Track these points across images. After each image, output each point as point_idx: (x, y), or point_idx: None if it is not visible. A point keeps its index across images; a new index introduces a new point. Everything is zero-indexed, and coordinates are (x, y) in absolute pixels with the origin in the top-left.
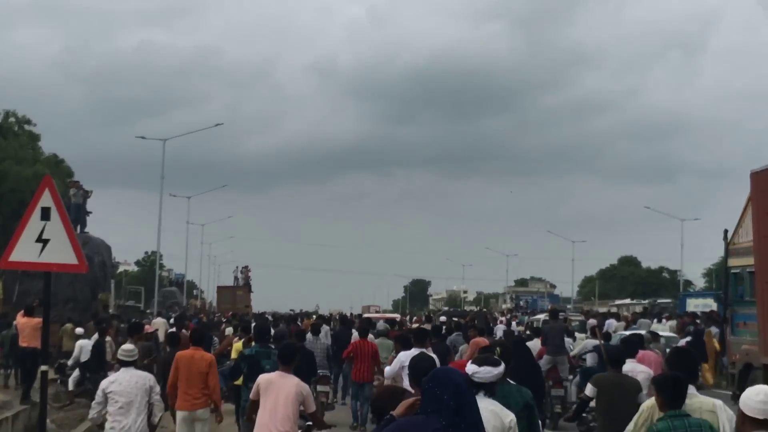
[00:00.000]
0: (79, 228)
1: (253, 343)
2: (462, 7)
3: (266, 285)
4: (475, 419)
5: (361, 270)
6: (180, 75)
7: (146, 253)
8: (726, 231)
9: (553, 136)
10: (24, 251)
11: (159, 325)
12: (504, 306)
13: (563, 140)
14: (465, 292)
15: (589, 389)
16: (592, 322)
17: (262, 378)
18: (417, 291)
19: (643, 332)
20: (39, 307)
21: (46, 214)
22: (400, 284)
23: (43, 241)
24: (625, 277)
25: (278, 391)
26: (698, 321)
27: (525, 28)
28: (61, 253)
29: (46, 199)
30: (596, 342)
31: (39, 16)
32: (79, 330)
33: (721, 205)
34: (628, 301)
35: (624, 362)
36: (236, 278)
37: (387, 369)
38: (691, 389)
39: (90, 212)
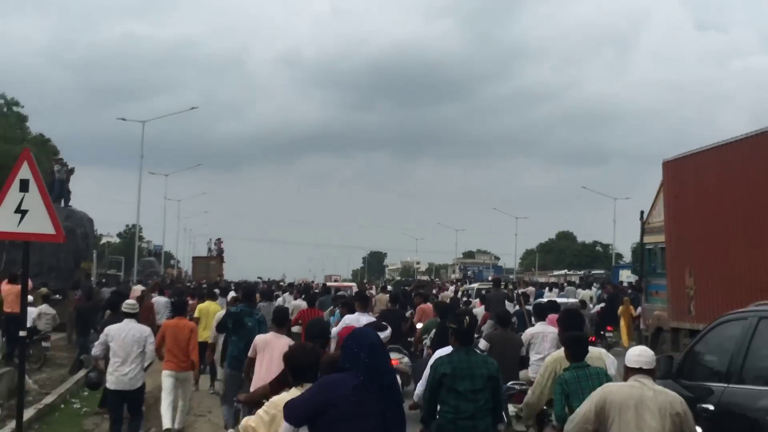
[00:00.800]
0: (63, 202)
1: (238, 303)
2: (416, 4)
3: (237, 256)
4: (389, 376)
5: (324, 242)
6: (159, 64)
7: (127, 226)
8: (642, 212)
9: (498, 123)
10: (3, 221)
11: (137, 292)
12: (453, 276)
13: (507, 127)
14: (418, 263)
15: (483, 344)
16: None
17: (259, 338)
18: (374, 262)
19: (561, 300)
20: (17, 276)
21: (24, 186)
22: (359, 255)
23: (21, 211)
24: (563, 251)
25: (273, 350)
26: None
27: (473, 24)
28: (39, 223)
29: (24, 172)
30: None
31: (29, 8)
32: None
33: (649, 187)
34: (565, 272)
35: (509, 324)
36: (210, 249)
37: (333, 330)
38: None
39: (71, 191)
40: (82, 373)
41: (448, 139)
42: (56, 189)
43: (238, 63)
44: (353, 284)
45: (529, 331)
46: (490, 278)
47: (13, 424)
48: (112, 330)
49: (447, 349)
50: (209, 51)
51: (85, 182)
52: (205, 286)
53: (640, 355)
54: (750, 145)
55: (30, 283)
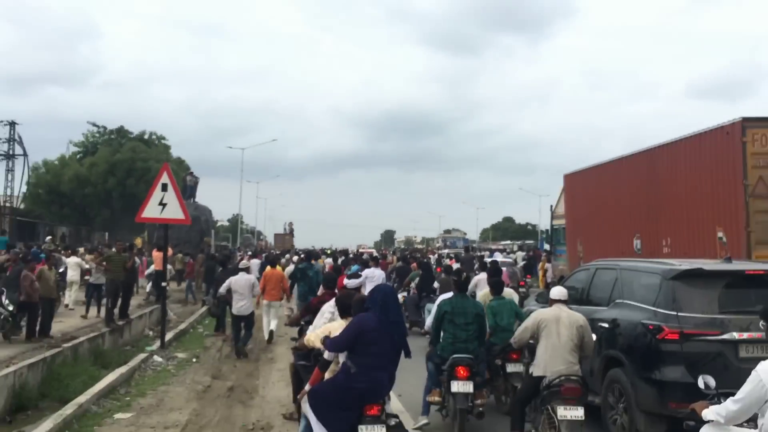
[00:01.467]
0: (192, 199)
1: (303, 261)
2: (413, 75)
3: (303, 233)
4: (397, 314)
5: (356, 224)
6: (254, 114)
7: (233, 215)
8: (551, 206)
9: (465, 149)
10: (151, 211)
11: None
12: (437, 245)
13: (471, 151)
14: (415, 237)
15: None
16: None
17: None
18: (387, 237)
19: (498, 259)
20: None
21: (164, 188)
22: (378, 233)
23: (162, 204)
24: (507, 229)
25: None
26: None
27: (450, 87)
28: (174, 212)
29: (164, 178)
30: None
31: (172, 78)
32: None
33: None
34: (509, 242)
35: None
36: (285, 229)
37: (352, 281)
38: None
39: (197, 192)
40: (204, 308)
41: (433, 160)
42: (188, 191)
43: (302, 113)
44: (373, 250)
45: (476, 277)
46: (460, 246)
47: (159, 342)
48: (233, 279)
49: (448, 294)
50: (285, 105)
51: (209, 187)
52: (278, 252)
53: (559, 291)
54: (615, 165)
55: (170, 250)
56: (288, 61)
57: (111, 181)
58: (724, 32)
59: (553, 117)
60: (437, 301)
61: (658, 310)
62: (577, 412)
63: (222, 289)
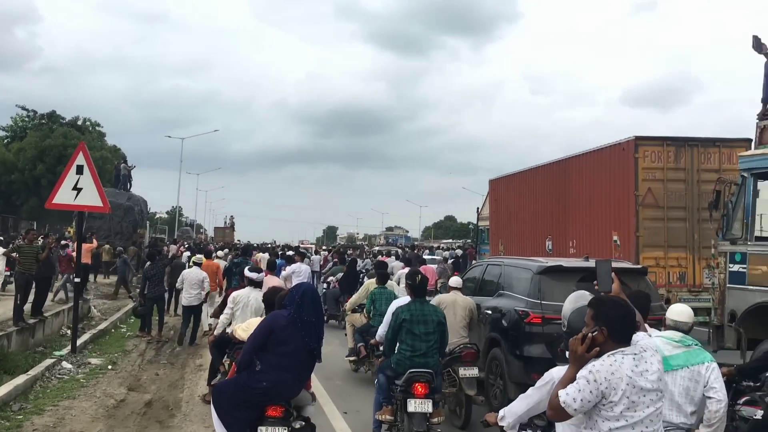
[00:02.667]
0: (125, 189)
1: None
2: (359, 72)
3: (244, 227)
4: (312, 314)
5: (299, 220)
6: (196, 106)
7: (172, 207)
8: (478, 208)
9: (409, 148)
10: (64, 196)
11: (173, 250)
12: (380, 241)
13: (414, 150)
14: (358, 234)
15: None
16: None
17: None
18: (330, 233)
19: (431, 257)
20: (91, 237)
21: (80, 170)
22: (321, 228)
23: (77, 189)
24: (449, 227)
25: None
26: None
27: (395, 86)
28: (90, 198)
29: (80, 159)
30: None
31: (112, 67)
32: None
33: None
34: (450, 240)
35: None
36: (225, 222)
37: (283, 272)
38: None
39: (131, 181)
40: (130, 305)
41: (377, 157)
42: (122, 180)
43: (246, 106)
44: (313, 245)
45: (400, 271)
46: (402, 244)
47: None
48: (186, 273)
49: (404, 300)
50: (229, 98)
51: (147, 178)
52: (220, 245)
53: (456, 281)
54: (533, 173)
55: (95, 242)
56: (233, 54)
57: (40, 168)
58: (660, 44)
59: (496, 119)
60: (392, 308)
61: (528, 299)
62: (474, 371)
63: (178, 284)
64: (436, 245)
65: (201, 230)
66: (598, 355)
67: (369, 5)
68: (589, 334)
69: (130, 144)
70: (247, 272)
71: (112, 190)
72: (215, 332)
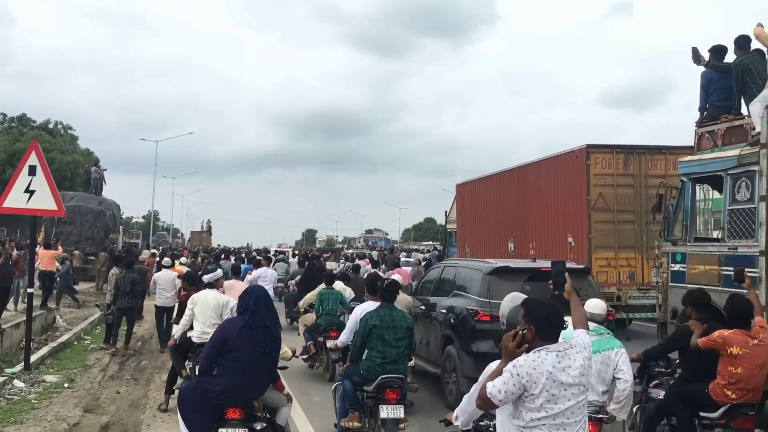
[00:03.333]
0: (94, 192)
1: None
2: (339, 75)
3: (222, 231)
4: (268, 317)
5: (278, 223)
6: (173, 109)
7: (149, 211)
8: (446, 211)
9: (387, 150)
10: (15, 199)
11: (146, 255)
12: (358, 244)
13: (393, 152)
14: (337, 236)
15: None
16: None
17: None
18: (309, 235)
19: (406, 259)
20: (56, 243)
21: (32, 171)
22: (300, 231)
23: (30, 191)
24: (428, 229)
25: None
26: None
27: (374, 88)
28: (44, 201)
29: (32, 159)
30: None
31: (88, 70)
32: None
33: None
34: (430, 243)
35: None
36: (202, 226)
37: (248, 276)
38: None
39: (104, 185)
40: (97, 315)
41: (356, 160)
42: (92, 185)
43: (224, 109)
44: (290, 248)
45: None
46: (382, 246)
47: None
48: (157, 275)
49: (371, 305)
50: (207, 101)
51: (124, 183)
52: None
53: (398, 277)
54: (496, 178)
55: (59, 247)
56: (210, 57)
57: (9, 173)
58: (636, 45)
59: (474, 120)
60: (357, 314)
61: (478, 298)
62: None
63: (150, 287)
64: (415, 247)
65: (178, 234)
66: (528, 351)
67: (347, 7)
68: (519, 332)
69: (107, 148)
70: (205, 276)
71: (82, 195)
72: (175, 336)
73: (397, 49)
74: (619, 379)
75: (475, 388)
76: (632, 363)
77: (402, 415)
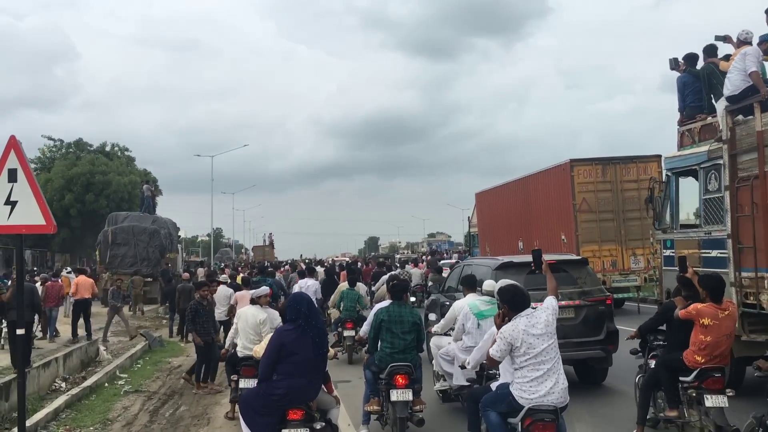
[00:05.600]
0: (147, 211)
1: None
2: (391, 81)
3: (285, 244)
4: (318, 322)
5: (339, 233)
6: (232, 128)
7: (213, 228)
8: (468, 217)
9: (444, 153)
10: None
11: (200, 273)
12: (422, 249)
13: (450, 155)
14: (399, 242)
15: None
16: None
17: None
18: (371, 243)
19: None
20: (84, 267)
21: (13, 176)
22: (362, 239)
23: (11, 203)
24: None
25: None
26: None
27: (427, 92)
28: (29, 214)
29: (12, 161)
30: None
31: (149, 98)
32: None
33: None
34: None
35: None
36: (264, 240)
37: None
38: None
39: (156, 204)
40: (140, 345)
41: (414, 165)
42: (145, 203)
43: (281, 124)
44: (347, 258)
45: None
46: (443, 249)
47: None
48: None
49: (386, 303)
50: (264, 118)
51: (186, 203)
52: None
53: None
54: (507, 187)
55: (103, 275)
56: (265, 75)
57: (68, 198)
58: (693, 25)
59: (530, 117)
60: (374, 309)
61: (485, 291)
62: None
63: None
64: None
65: (242, 250)
66: (509, 321)
67: (395, 14)
68: (500, 311)
69: (168, 171)
70: (250, 293)
71: (136, 214)
72: (225, 347)
73: (448, 50)
74: None
75: (482, 344)
76: (632, 339)
77: (410, 398)
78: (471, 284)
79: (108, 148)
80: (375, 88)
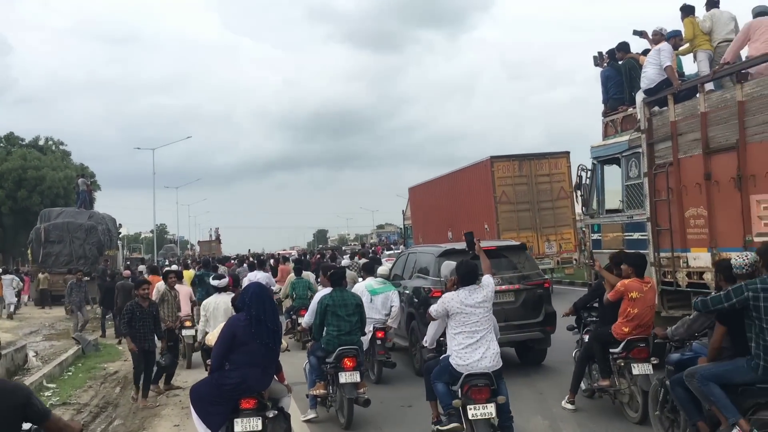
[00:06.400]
0: (85, 207)
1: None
2: (338, 73)
3: (231, 238)
4: (264, 312)
5: (287, 226)
6: (175, 122)
7: (156, 225)
8: (403, 210)
9: (391, 145)
10: None
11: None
12: (371, 240)
13: (397, 147)
14: (348, 234)
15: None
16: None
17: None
18: (321, 236)
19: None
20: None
21: None
22: (311, 232)
23: None
24: None
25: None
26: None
27: (374, 84)
28: None
29: None
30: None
31: (91, 93)
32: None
33: None
34: None
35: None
36: (211, 235)
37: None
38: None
39: (94, 199)
40: (72, 351)
41: (362, 157)
42: (80, 197)
43: (227, 117)
44: (294, 251)
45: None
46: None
47: None
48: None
49: (327, 290)
50: (209, 111)
51: (130, 198)
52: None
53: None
54: (436, 182)
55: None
56: (209, 67)
57: None
58: (631, 17)
59: (476, 108)
60: (316, 298)
61: (432, 278)
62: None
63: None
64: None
65: (188, 246)
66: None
67: (341, 6)
68: (452, 279)
69: (111, 166)
70: (211, 281)
71: (71, 210)
72: (198, 339)
73: (393, 43)
74: (393, 306)
75: (433, 324)
76: (566, 316)
77: (358, 380)
78: (370, 270)
79: (41, 142)
80: (322, 80)
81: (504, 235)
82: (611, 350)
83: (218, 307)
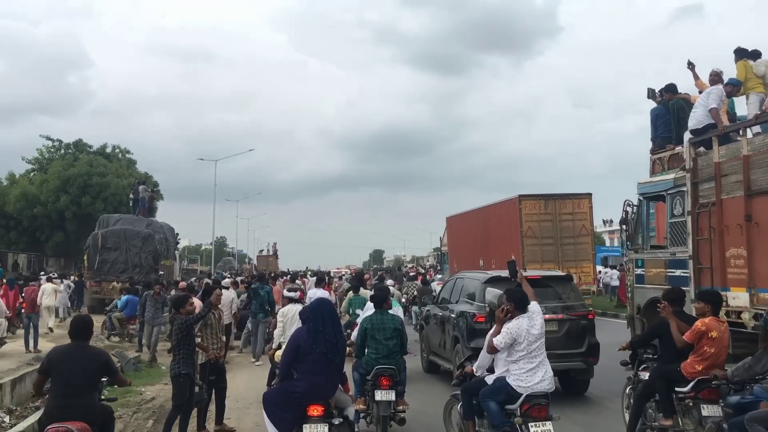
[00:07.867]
0: (141, 215)
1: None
2: (400, 95)
3: (288, 254)
4: (325, 326)
5: (344, 245)
6: (240, 137)
7: (216, 237)
8: (440, 237)
9: (451, 168)
10: None
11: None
12: (428, 262)
13: (457, 170)
14: (404, 255)
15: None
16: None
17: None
18: (377, 256)
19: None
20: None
21: None
22: (367, 252)
23: None
24: None
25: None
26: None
27: (436, 107)
28: None
29: None
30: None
31: (162, 107)
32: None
33: None
34: None
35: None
36: (268, 250)
37: (288, 293)
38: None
39: (156, 207)
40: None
41: (421, 179)
42: (140, 204)
43: (289, 135)
44: (347, 270)
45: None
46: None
47: None
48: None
49: (371, 311)
50: (272, 128)
51: (194, 211)
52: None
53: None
54: (471, 214)
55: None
56: (274, 85)
57: (63, 200)
58: (704, 47)
59: (538, 134)
60: (360, 319)
61: (477, 303)
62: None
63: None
64: None
65: (246, 260)
66: (511, 319)
67: (406, 28)
68: (506, 308)
69: (177, 180)
70: (285, 292)
71: (129, 217)
72: (273, 345)
73: (458, 66)
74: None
75: (483, 353)
76: (622, 351)
77: (393, 398)
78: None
79: (108, 150)
80: (384, 101)
81: (529, 266)
82: (677, 389)
83: (294, 317)
